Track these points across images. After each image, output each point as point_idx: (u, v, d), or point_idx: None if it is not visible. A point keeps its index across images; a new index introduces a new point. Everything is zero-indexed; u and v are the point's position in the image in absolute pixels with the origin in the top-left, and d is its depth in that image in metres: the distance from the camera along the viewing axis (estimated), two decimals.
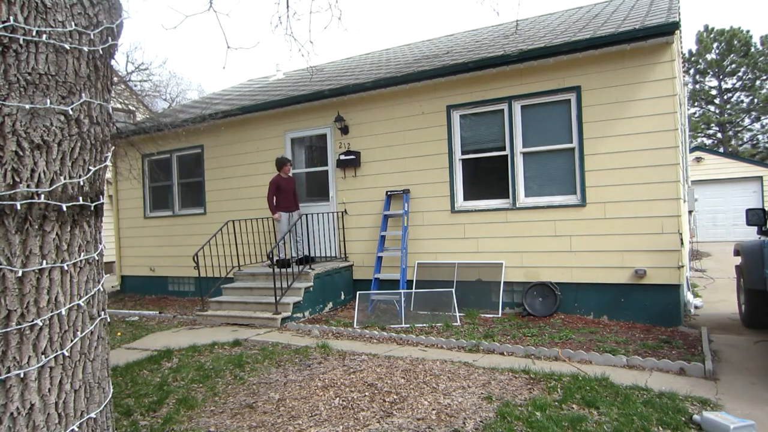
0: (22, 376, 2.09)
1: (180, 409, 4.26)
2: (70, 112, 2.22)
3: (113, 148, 2.59)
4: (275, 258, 8.08)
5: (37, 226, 2.12)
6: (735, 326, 6.72)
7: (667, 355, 5.24)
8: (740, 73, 33.88)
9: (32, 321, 2.12)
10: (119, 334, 7.40)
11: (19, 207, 2.06)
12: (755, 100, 33.49)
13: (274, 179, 8.61)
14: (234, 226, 9.28)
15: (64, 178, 2.19)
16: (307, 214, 8.58)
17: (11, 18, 2.06)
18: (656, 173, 6.70)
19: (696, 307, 7.88)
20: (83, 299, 2.27)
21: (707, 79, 35.43)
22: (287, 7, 5.42)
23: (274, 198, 8.55)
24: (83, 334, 2.25)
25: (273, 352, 5.89)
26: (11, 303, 2.05)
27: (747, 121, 34.58)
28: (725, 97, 35.07)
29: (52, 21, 2.18)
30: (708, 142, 35.41)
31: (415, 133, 8.41)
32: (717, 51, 34.37)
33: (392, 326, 7.00)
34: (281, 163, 8.72)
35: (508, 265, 7.65)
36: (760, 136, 34.47)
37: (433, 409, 4.00)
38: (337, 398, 4.33)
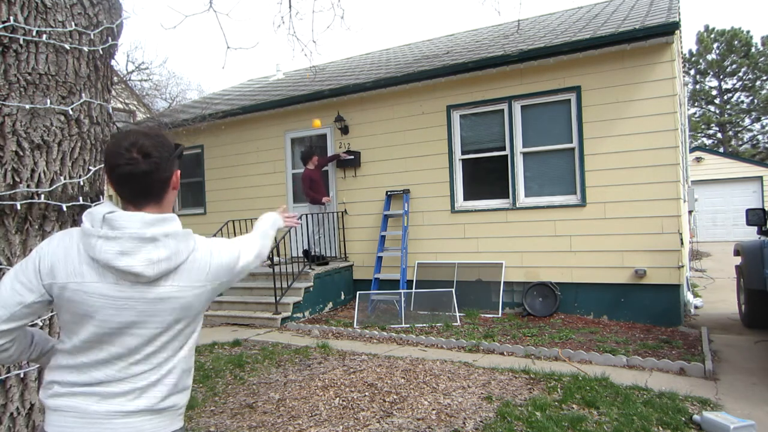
0: (21, 376, 2.10)
1: None
2: (70, 112, 2.22)
3: None
4: (313, 253, 8.31)
5: (37, 226, 2.13)
6: (735, 326, 6.72)
7: (667, 355, 5.24)
8: (740, 74, 33.85)
9: (32, 321, 2.11)
10: None
11: (19, 207, 2.06)
12: (755, 101, 33.47)
13: (307, 173, 8.57)
14: (234, 226, 9.29)
15: (64, 178, 2.19)
16: (307, 215, 8.57)
17: (11, 18, 2.06)
18: (656, 173, 6.70)
19: (696, 307, 7.88)
20: None
21: (707, 79, 35.41)
22: (290, 6, 5.43)
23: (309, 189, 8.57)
24: None
25: (273, 352, 5.89)
26: None
27: (747, 121, 34.56)
28: (725, 97, 35.05)
29: (52, 21, 2.18)
30: (708, 142, 35.40)
31: (415, 133, 8.41)
32: (717, 51, 34.34)
33: (392, 326, 7.00)
34: (309, 155, 8.64)
35: (508, 265, 7.64)
36: (760, 137, 34.46)
37: (433, 409, 4.00)
38: (337, 398, 4.33)
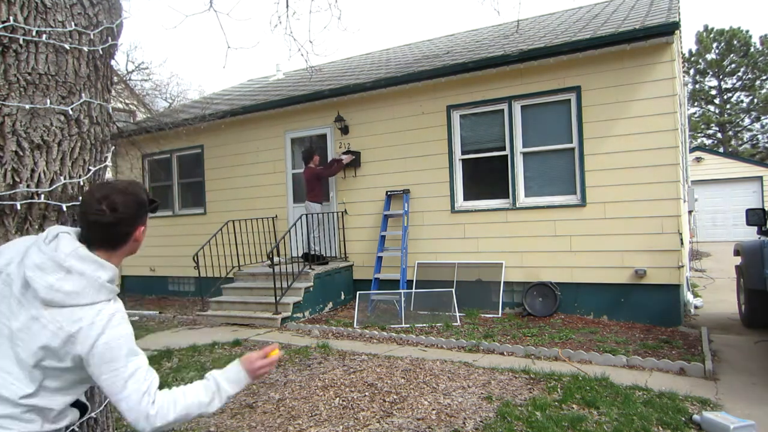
0: None
1: None
2: (70, 112, 2.22)
3: (114, 147, 2.59)
4: (312, 252, 8.38)
5: (37, 226, 2.12)
6: (735, 326, 6.72)
7: (667, 355, 5.24)
8: (740, 73, 33.87)
9: None
10: None
11: (19, 207, 2.06)
12: (755, 100, 33.48)
13: (311, 172, 8.62)
14: (234, 226, 9.28)
15: (64, 178, 2.18)
16: (307, 215, 8.58)
17: (11, 18, 2.06)
18: (656, 173, 6.70)
19: (696, 307, 7.88)
20: None
21: (707, 79, 35.42)
22: (287, 6, 5.42)
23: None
24: None
25: None
26: None
27: (747, 121, 34.57)
28: (725, 97, 35.06)
29: (52, 21, 2.18)
30: (708, 142, 35.41)
31: (415, 133, 8.41)
32: (717, 51, 34.36)
33: (392, 326, 7.00)
34: (311, 154, 8.71)
35: (508, 265, 7.64)
36: (760, 136, 34.46)
37: (433, 409, 4.00)
38: (337, 398, 4.33)
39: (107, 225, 1.57)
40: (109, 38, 2.44)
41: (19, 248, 1.58)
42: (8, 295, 1.52)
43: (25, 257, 1.52)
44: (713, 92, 35.41)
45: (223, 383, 1.68)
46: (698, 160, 20.13)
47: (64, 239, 1.54)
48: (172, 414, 1.55)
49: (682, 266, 6.80)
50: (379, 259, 8.30)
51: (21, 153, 2.08)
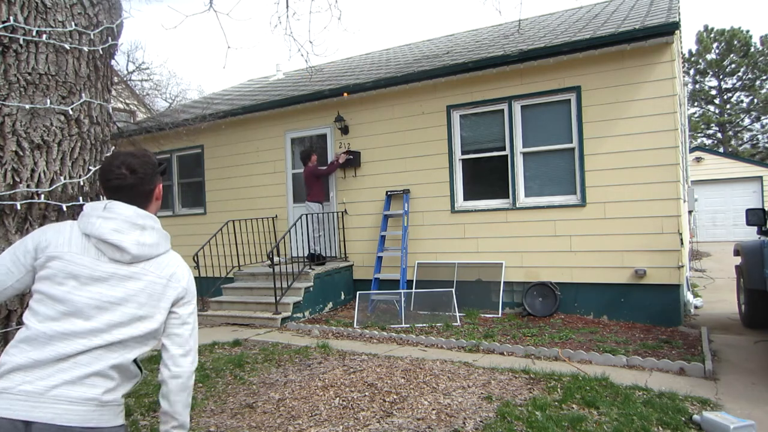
0: None
1: None
2: (70, 112, 2.22)
3: (114, 147, 2.59)
4: (313, 252, 8.41)
5: (37, 226, 2.12)
6: (735, 326, 6.72)
7: (667, 355, 5.24)
8: (740, 73, 33.85)
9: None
10: None
11: (19, 207, 2.06)
12: (755, 100, 33.47)
13: (309, 170, 8.69)
14: (234, 226, 9.28)
15: (64, 178, 2.19)
16: (307, 215, 8.58)
17: (11, 18, 2.06)
18: (656, 173, 6.70)
19: (696, 307, 7.88)
20: None
21: (707, 79, 35.41)
22: (287, 7, 5.43)
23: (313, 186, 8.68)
24: None
25: (273, 352, 5.89)
26: (11, 303, 2.05)
27: (747, 121, 34.56)
28: (725, 97, 35.05)
29: (52, 21, 2.18)
30: (708, 142, 35.40)
31: (415, 133, 8.41)
32: (717, 51, 34.35)
33: (392, 326, 7.00)
34: (308, 154, 8.77)
35: (508, 265, 7.64)
36: (760, 136, 34.45)
37: (433, 409, 4.00)
38: (337, 398, 4.33)
39: (131, 186, 1.67)
40: (109, 38, 2.44)
41: (62, 232, 1.62)
42: (77, 273, 1.57)
43: (91, 230, 1.59)
44: (713, 92, 35.39)
45: None
46: (698, 160, 20.13)
47: (117, 204, 1.65)
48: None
49: (682, 266, 6.80)
50: (379, 259, 8.30)
51: (21, 153, 2.08)
